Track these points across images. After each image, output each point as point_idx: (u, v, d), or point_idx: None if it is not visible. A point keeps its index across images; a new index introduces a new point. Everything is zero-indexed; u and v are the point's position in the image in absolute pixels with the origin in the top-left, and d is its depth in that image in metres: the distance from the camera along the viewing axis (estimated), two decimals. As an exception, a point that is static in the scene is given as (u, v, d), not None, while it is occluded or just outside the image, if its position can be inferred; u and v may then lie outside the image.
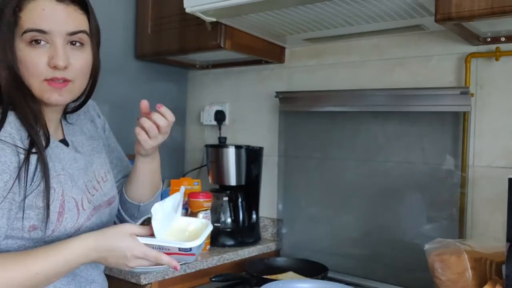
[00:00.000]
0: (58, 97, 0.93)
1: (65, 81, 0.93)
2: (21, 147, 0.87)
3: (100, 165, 1.09)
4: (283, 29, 1.65)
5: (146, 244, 0.89)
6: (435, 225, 1.51)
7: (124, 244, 0.89)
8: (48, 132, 0.94)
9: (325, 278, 1.52)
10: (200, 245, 0.92)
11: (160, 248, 0.89)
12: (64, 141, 1.03)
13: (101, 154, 1.11)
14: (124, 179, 1.20)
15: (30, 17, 0.90)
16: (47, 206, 0.89)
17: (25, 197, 0.88)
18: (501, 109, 1.45)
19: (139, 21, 1.96)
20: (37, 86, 0.92)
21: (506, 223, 1.14)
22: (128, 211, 1.16)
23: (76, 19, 0.93)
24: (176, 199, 0.96)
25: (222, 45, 1.67)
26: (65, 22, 0.92)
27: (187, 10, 1.48)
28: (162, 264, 0.91)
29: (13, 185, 0.85)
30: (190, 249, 0.90)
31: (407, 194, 1.57)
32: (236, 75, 2.10)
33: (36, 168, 0.89)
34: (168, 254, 0.90)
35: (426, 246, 1.31)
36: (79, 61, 0.94)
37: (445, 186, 1.51)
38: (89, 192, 1.01)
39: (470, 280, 1.24)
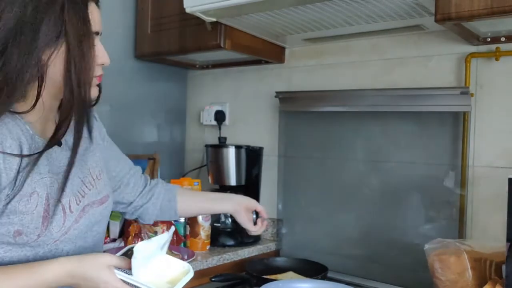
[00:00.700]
0: (97, 92, 1.00)
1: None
2: (2, 151, 0.86)
3: (95, 163, 1.08)
4: (283, 29, 1.65)
5: (122, 280, 0.88)
6: (435, 225, 1.51)
7: (99, 275, 0.87)
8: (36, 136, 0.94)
9: (325, 278, 1.52)
10: None
11: (135, 287, 0.88)
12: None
13: (94, 153, 1.10)
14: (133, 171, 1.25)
15: (94, 21, 0.94)
16: (31, 212, 0.88)
17: (8, 202, 0.87)
18: (501, 109, 1.45)
19: (139, 21, 1.96)
20: (90, 83, 0.95)
21: (506, 223, 1.14)
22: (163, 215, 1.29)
23: None
24: (163, 238, 0.93)
25: (222, 45, 1.67)
26: (101, 24, 0.99)
27: (187, 10, 1.48)
28: None
29: None
30: None
31: (407, 194, 1.57)
32: (236, 75, 2.10)
33: (18, 173, 0.88)
34: None
35: (426, 246, 1.31)
36: None
37: (445, 186, 1.51)
38: (82, 190, 1.00)
39: (470, 280, 1.24)
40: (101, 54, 0.98)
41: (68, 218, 0.95)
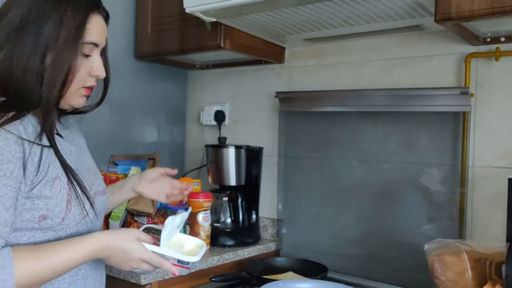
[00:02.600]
0: (84, 101, 1.03)
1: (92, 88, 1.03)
2: (25, 139, 0.90)
3: (92, 162, 1.16)
4: (283, 29, 1.65)
5: (152, 251, 0.99)
6: (435, 225, 1.51)
7: (133, 246, 0.98)
8: (55, 128, 1.00)
9: (325, 278, 1.52)
10: (195, 262, 1.05)
11: (162, 256, 1.00)
12: (58, 135, 1.06)
13: (88, 154, 1.17)
14: None
15: (93, 30, 0.97)
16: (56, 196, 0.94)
17: (33, 187, 0.91)
18: (501, 109, 1.46)
19: (139, 21, 1.96)
20: (74, 90, 0.98)
21: (506, 223, 1.14)
22: None
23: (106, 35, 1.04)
24: (184, 217, 1.08)
25: (222, 45, 1.67)
26: (105, 38, 1.04)
27: (187, 10, 1.48)
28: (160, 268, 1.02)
29: (19, 174, 0.88)
30: (188, 263, 1.03)
31: (407, 194, 1.57)
32: (236, 75, 2.10)
33: (40, 159, 0.92)
34: None
35: (426, 246, 1.31)
36: None
37: (445, 186, 1.51)
38: (91, 179, 1.07)
39: (470, 280, 1.24)
40: (95, 66, 1.00)
41: (86, 202, 1.00)
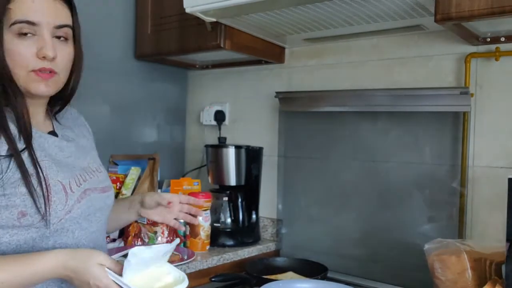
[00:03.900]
0: (44, 87, 0.96)
1: (52, 72, 0.96)
2: None
3: (93, 159, 1.12)
4: (283, 29, 1.65)
5: (112, 280, 0.88)
6: (435, 225, 1.51)
7: (91, 271, 0.88)
8: (29, 123, 0.96)
9: (325, 278, 1.52)
10: None
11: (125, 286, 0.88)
12: (53, 133, 1.05)
13: (91, 152, 1.15)
14: None
15: (20, 9, 0.93)
16: (30, 192, 0.91)
17: (4, 184, 0.89)
18: (500, 109, 1.45)
19: (139, 21, 1.96)
20: (23, 77, 0.95)
21: (506, 223, 1.14)
22: None
23: (62, 13, 0.98)
24: (164, 248, 0.93)
25: (222, 45, 1.67)
26: (53, 15, 0.95)
27: (187, 10, 1.48)
28: None
29: None
30: None
31: (407, 194, 1.57)
32: (236, 75, 2.10)
33: (11, 157, 0.90)
34: None
35: (426, 246, 1.31)
36: (64, 55, 0.98)
37: (445, 186, 1.51)
38: (83, 175, 1.03)
39: (470, 280, 1.24)
40: (39, 46, 0.94)
41: (70, 197, 0.97)
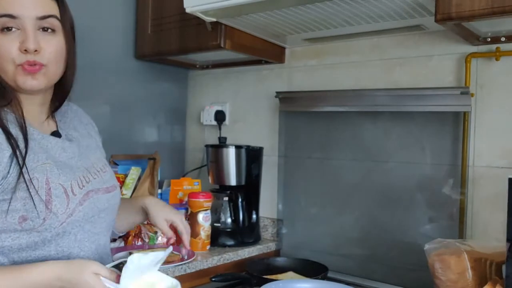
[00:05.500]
0: (32, 81, 0.95)
1: (37, 64, 0.94)
2: None
3: (97, 159, 1.11)
4: (283, 29, 1.65)
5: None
6: (435, 225, 1.51)
7: (86, 281, 0.87)
8: (24, 123, 0.95)
9: (325, 278, 1.52)
10: None
11: None
12: (56, 133, 1.04)
13: (96, 151, 1.14)
14: None
15: (2, 4, 0.92)
16: (31, 197, 0.90)
17: (5, 189, 0.89)
18: (501, 109, 1.45)
19: (139, 21, 1.96)
20: (11, 72, 0.94)
21: (506, 223, 1.14)
22: None
23: (45, 4, 0.96)
24: (159, 256, 0.94)
25: (222, 45, 1.67)
26: (34, 6, 0.94)
27: (187, 10, 1.48)
28: None
29: None
30: None
31: (407, 194, 1.57)
32: (236, 75, 2.10)
33: (11, 160, 0.90)
34: None
35: (426, 246, 1.31)
36: (51, 46, 0.96)
37: (445, 186, 1.51)
38: (86, 177, 1.02)
39: (470, 280, 1.24)
40: (21, 39, 0.93)
41: (72, 201, 0.96)
